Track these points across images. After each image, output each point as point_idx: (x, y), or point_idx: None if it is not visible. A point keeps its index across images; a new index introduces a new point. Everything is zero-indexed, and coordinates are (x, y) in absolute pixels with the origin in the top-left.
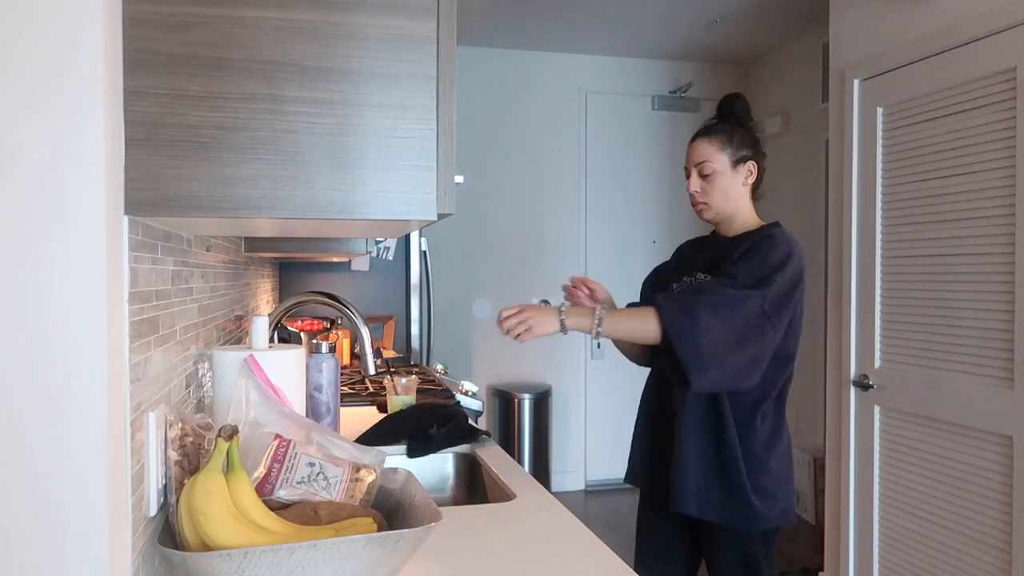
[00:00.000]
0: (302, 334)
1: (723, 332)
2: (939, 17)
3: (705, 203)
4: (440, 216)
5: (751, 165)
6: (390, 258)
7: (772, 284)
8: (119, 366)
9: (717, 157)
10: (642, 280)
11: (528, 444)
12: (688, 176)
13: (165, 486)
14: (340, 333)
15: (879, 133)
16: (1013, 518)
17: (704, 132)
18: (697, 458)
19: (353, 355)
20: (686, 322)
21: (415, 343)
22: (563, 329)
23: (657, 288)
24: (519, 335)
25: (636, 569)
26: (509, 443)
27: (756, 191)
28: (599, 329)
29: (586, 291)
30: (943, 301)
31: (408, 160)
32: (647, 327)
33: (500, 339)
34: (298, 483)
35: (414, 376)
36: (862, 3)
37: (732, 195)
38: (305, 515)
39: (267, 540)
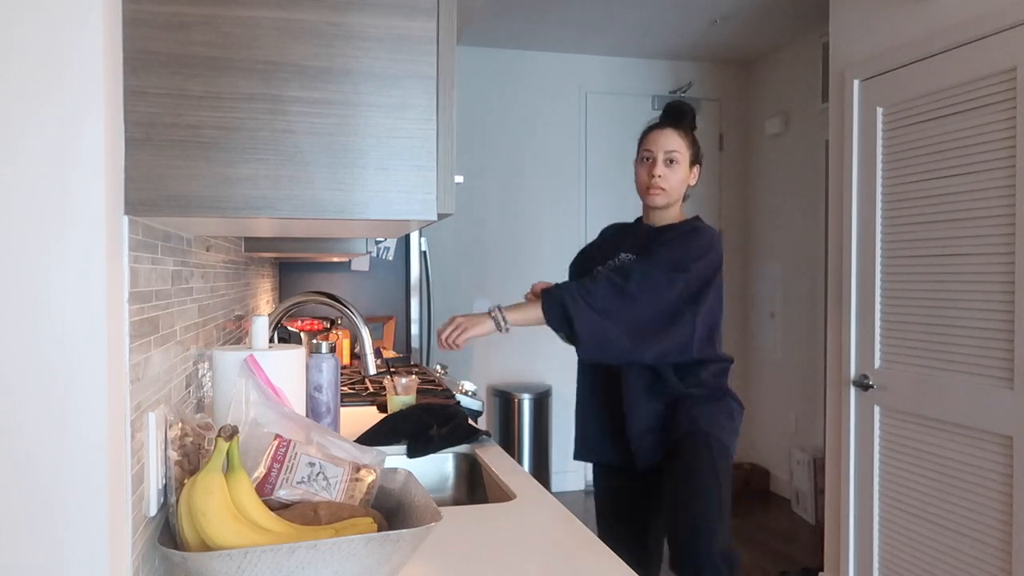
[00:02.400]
0: (302, 334)
1: (627, 312)
2: (939, 17)
3: (663, 189)
4: (440, 216)
5: (697, 169)
6: (390, 258)
7: (690, 271)
8: (119, 366)
9: (684, 152)
10: None
11: (528, 444)
12: (649, 161)
13: (165, 486)
14: (340, 333)
15: (879, 133)
16: (1013, 518)
17: (675, 124)
18: (647, 420)
19: (353, 355)
20: (580, 302)
21: (415, 343)
22: (500, 326)
23: (582, 269)
24: (456, 340)
25: (600, 534)
26: (509, 443)
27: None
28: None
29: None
30: (943, 301)
31: (408, 160)
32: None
33: (500, 339)
34: (298, 483)
35: (414, 376)
36: (862, 3)
37: (681, 188)
38: (305, 515)
39: (267, 540)
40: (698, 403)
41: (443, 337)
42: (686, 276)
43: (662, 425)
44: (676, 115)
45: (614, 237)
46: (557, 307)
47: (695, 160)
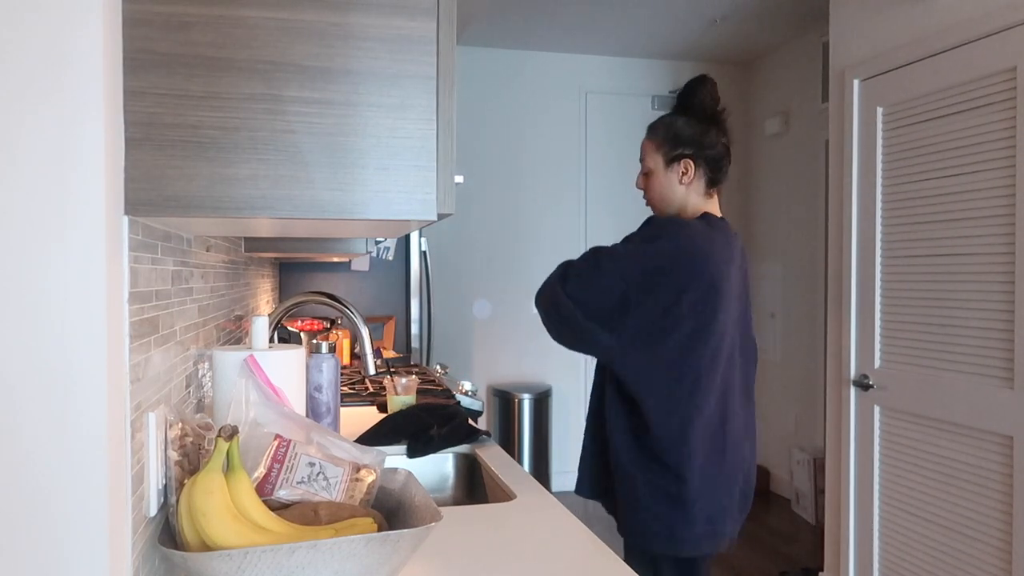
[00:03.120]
0: (302, 334)
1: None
2: (939, 17)
3: (647, 201)
4: (440, 216)
5: (686, 163)
6: (390, 258)
7: (614, 248)
8: (119, 366)
9: (652, 156)
10: None
11: (528, 444)
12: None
13: (165, 486)
14: (340, 333)
15: (879, 133)
16: (1013, 518)
17: (649, 128)
18: (588, 442)
19: (353, 355)
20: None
21: (415, 343)
22: None
23: None
24: None
25: None
26: (509, 443)
27: (716, 185)
28: None
29: None
30: (943, 301)
31: (408, 160)
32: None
33: (500, 339)
34: (298, 483)
35: (414, 376)
36: (862, 3)
37: (668, 195)
38: (305, 515)
39: (267, 540)
40: (619, 475)
41: None
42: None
43: (600, 469)
44: (651, 124)
45: None
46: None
47: (674, 158)
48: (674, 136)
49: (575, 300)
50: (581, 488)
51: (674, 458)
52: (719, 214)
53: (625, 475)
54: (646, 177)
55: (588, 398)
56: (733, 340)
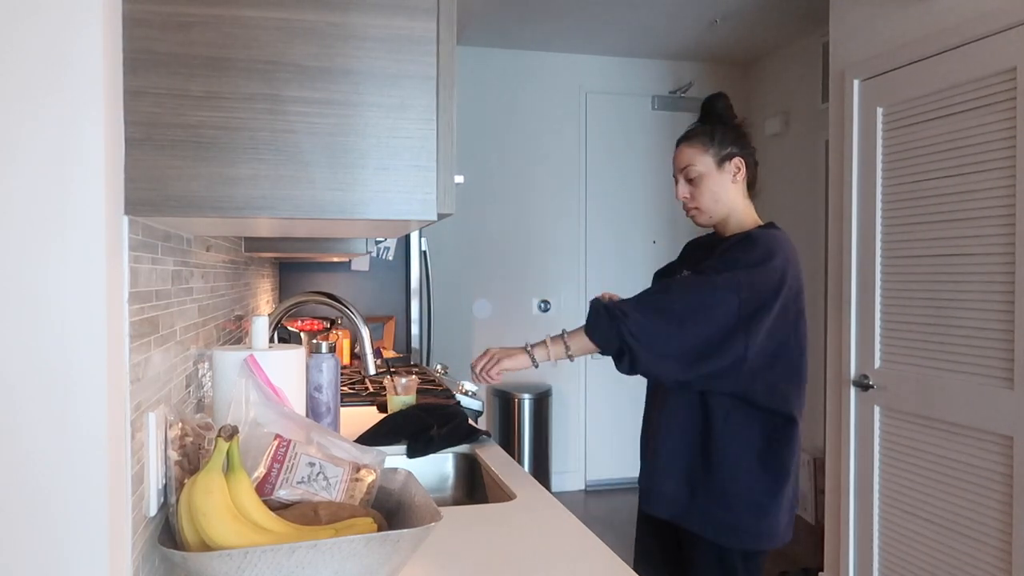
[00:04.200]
0: (302, 334)
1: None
2: (939, 17)
3: (696, 208)
4: (440, 216)
5: (737, 161)
6: (390, 258)
7: (740, 285)
8: (119, 366)
9: (700, 159)
10: (640, 279)
11: (528, 444)
12: (676, 183)
13: (165, 486)
14: (340, 333)
15: (879, 133)
16: (1013, 518)
17: (685, 137)
18: (673, 459)
19: (353, 355)
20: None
21: (415, 343)
22: (533, 362)
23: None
24: (491, 372)
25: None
26: (509, 443)
27: (752, 188)
28: (569, 353)
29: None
30: (943, 301)
31: (408, 160)
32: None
33: (500, 339)
34: (298, 483)
35: (414, 376)
36: (862, 3)
37: (723, 196)
38: (305, 515)
39: (267, 540)
40: (723, 483)
41: (477, 369)
42: (732, 291)
43: (686, 487)
44: (687, 133)
45: (690, 254)
46: (601, 331)
47: (725, 157)
48: (720, 137)
49: (688, 324)
50: (659, 506)
51: (790, 455)
52: (753, 213)
53: (733, 478)
54: (693, 183)
55: (587, 398)
56: None
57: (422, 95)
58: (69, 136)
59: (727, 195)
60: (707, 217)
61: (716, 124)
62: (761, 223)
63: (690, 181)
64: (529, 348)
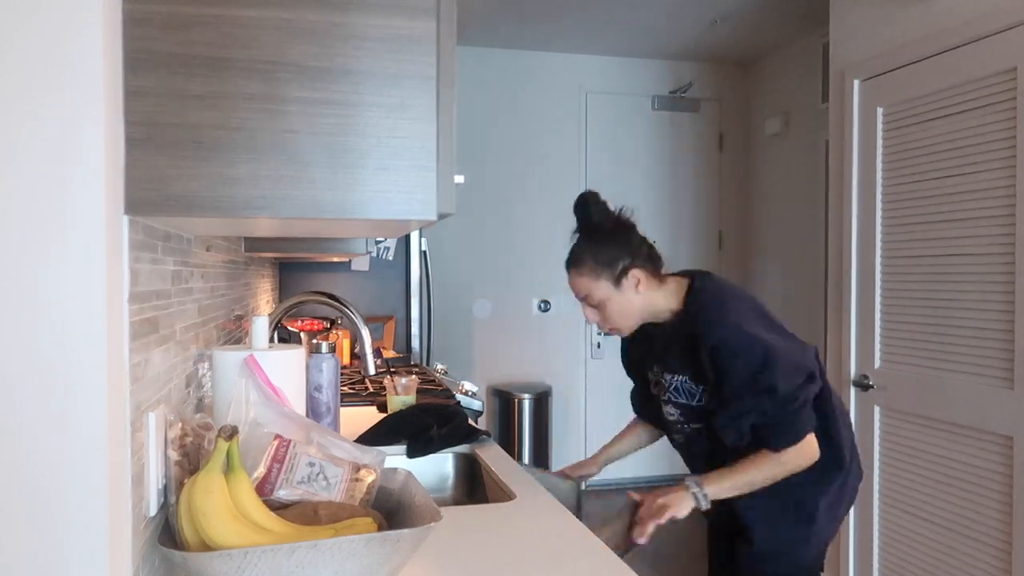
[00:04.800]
0: (302, 334)
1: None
2: (939, 17)
3: (614, 328)
4: (440, 216)
5: (634, 272)
6: (390, 258)
7: (778, 386)
8: (119, 366)
9: (595, 287)
10: None
11: (528, 444)
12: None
13: (165, 486)
14: (340, 333)
15: (879, 133)
16: (1013, 518)
17: (571, 263)
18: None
19: (353, 355)
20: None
21: (415, 343)
22: (700, 504)
23: (632, 370)
24: (659, 522)
25: None
26: (509, 443)
27: (658, 275)
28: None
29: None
30: (943, 301)
31: (408, 160)
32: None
33: (499, 338)
34: (298, 483)
35: (414, 376)
36: (862, 3)
37: (631, 310)
38: (305, 515)
39: (267, 540)
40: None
41: (646, 526)
42: (788, 393)
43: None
44: (569, 257)
45: (640, 343)
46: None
47: (620, 275)
48: (606, 257)
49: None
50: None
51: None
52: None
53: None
54: (598, 308)
55: (587, 398)
56: None
57: (422, 95)
58: (69, 136)
59: (634, 307)
60: (627, 330)
61: (597, 238)
62: (682, 291)
63: (594, 307)
64: (694, 488)
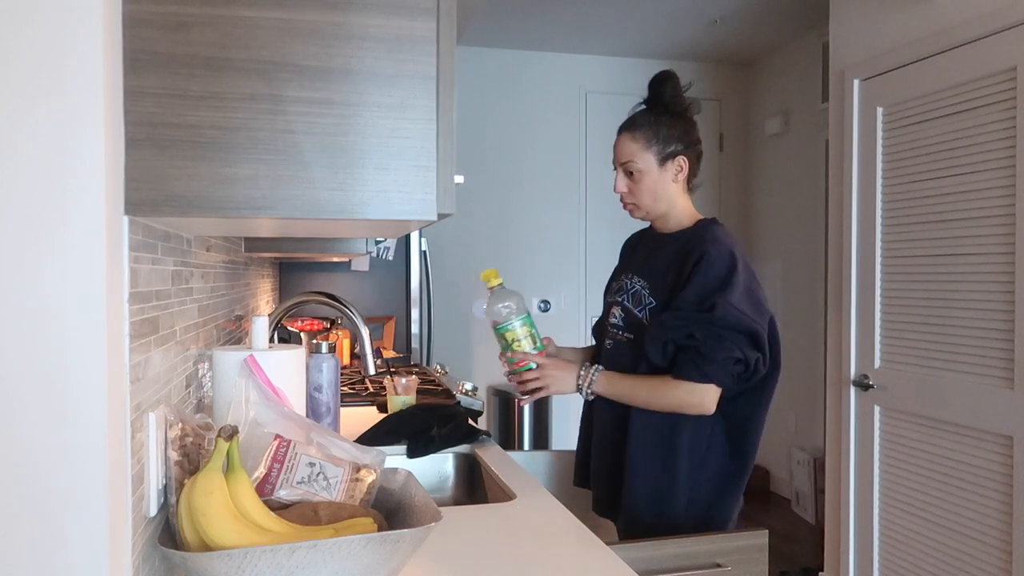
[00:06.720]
0: (302, 334)
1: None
2: (939, 17)
3: (634, 204)
4: (440, 216)
5: (680, 160)
6: (390, 258)
7: (716, 310)
8: (119, 366)
9: (642, 156)
10: None
11: (528, 444)
12: (616, 172)
13: (165, 486)
14: (340, 333)
15: (879, 133)
16: (1013, 518)
17: (628, 126)
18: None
19: (353, 355)
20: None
21: (415, 343)
22: (582, 393)
23: (608, 288)
24: (534, 391)
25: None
26: (509, 443)
27: (691, 183)
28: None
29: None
30: (943, 301)
31: (408, 160)
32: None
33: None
34: (298, 483)
35: (414, 376)
36: (862, 3)
37: (661, 194)
38: (305, 515)
39: (267, 540)
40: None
41: (527, 386)
42: (731, 320)
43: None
44: (628, 121)
45: (627, 253)
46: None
47: (668, 156)
48: (665, 134)
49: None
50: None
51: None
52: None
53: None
54: (632, 178)
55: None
56: None
57: (422, 95)
58: (69, 136)
59: (666, 193)
60: (644, 213)
61: (662, 114)
62: (700, 216)
63: (629, 175)
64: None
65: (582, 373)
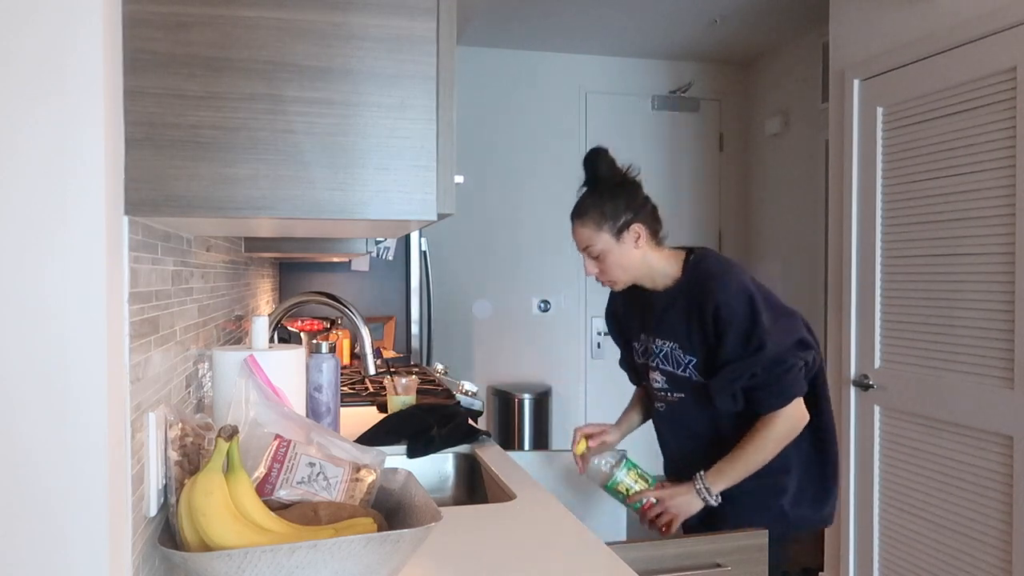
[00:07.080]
0: (302, 334)
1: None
2: (939, 17)
3: (609, 280)
4: (440, 216)
5: (635, 228)
6: (390, 258)
7: (766, 344)
8: (119, 366)
9: (598, 237)
10: None
11: (528, 444)
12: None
13: (165, 486)
14: (340, 333)
15: (879, 133)
16: (1013, 518)
17: (576, 214)
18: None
19: (353, 355)
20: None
21: (415, 343)
22: (710, 503)
23: (618, 336)
24: (669, 523)
25: None
26: (509, 443)
27: (657, 238)
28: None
29: (598, 441)
30: (943, 301)
31: (408, 160)
32: (769, 451)
33: (499, 339)
34: (298, 483)
35: (414, 376)
36: (862, 3)
37: (629, 264)
38: (305, 515)
39: (267, 540)
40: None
41: (658, 523)
42: (778, 350)
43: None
44: (575, 208)
45: (625, 313)
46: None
47: (621, 228)
48: (611, 210)
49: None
50: None
51: None
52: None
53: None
54: (598, 259)
55: (587, 398)
56: None
57: (422, 95)
58: (69, 136)
59: (634, 261)
60: (623, 284)
61: (604, 190)
62: (682, 256)
63: (595, 258)
64: (699, 485)
65: (697, 487)
